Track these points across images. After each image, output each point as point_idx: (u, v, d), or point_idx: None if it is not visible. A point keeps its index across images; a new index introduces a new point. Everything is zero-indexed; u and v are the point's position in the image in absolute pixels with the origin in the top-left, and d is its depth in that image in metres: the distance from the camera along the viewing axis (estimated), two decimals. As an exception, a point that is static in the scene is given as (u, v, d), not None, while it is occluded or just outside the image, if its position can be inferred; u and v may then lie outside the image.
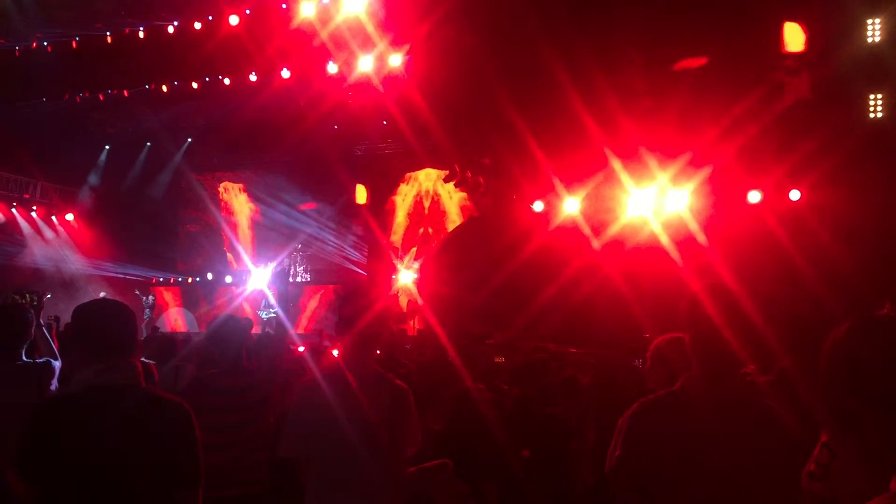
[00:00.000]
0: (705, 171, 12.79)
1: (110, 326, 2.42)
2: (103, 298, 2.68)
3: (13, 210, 18.69)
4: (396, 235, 17.81)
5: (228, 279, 19.19)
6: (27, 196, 18.92)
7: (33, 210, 19.17)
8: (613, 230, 13.06)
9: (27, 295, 13.77)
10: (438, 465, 3.28)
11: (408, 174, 17.74)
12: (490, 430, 4.10)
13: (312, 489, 2.92)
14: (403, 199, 17.83)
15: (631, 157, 13.13)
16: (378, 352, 3.28)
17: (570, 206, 13.90)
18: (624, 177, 13.16)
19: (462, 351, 6.11)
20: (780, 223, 11.59)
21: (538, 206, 14.58)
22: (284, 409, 3.34)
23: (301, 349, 7.68)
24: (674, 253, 11.78)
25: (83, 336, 2.43)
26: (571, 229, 13.51)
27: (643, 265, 11.93)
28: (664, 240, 12.28)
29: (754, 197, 12.86)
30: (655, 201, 13.17)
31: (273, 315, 16.10)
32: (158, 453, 2.33)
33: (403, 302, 16.55)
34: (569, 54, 12.22)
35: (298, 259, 18.73)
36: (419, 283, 16.29)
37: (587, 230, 13.30)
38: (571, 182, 13.95)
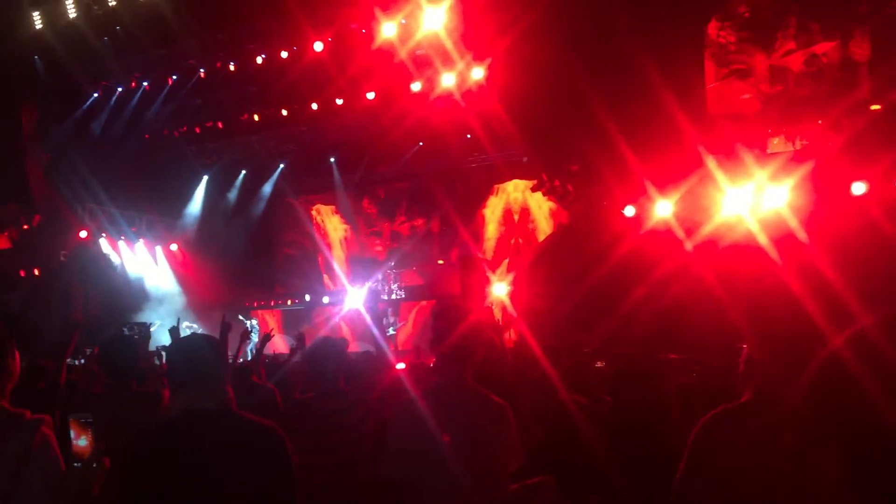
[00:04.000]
0: (807, 166, 12.71)
1: (196, 357, 2.56)
2: (193, 335, 2.84)
3: (120, 243, 20.47)
4: (488, 248, 18.42)
5: (326, 300, 20.27)
6: (134, 229, 20.68)
7: (140, 241, 20.91)
8: (707, 230, 13.15)
9: (135, 327, 15.26)
10: (541, 482, 3.20)
11: (496, 186, 18.37)
12: (590, 443, 4.09)
13: None
14: (493, 212, 18.47)
15: (726, 155, 13.23)
16: (475, 368, 3.26)
17: (663, 208, 14.05)
18: (719, 175, 13.25)
19: (558, 362, 6.17)
20: (887, 216, 11.36)
21: (629, 210, 14.82)
22: (384, 430, 3.43)
23: (401, 365, 8.24)
24: (772, 251, 11.80)
25: (173, 369, 2.61)
26: (663, 232, 13.69)
27: (738, 265, 12.02)
28: (762, 238, 12.30)
29: (859, 188, 12.62)
30: (753, 199, 13.17)
31: (393, 333, 17.06)
32: (251, 478, 2.37)
33: (498, 314, 17.10)
34: (659, 51, 12.46)
35: (392, 276, 19.59)
36: (513, 294, 16.80)
37: (680, 232, 13.44)
38: (663, 184, 14.11)
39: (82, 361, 13.62)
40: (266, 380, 5.71)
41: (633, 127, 13.03)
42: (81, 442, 2.83)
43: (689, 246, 12.97)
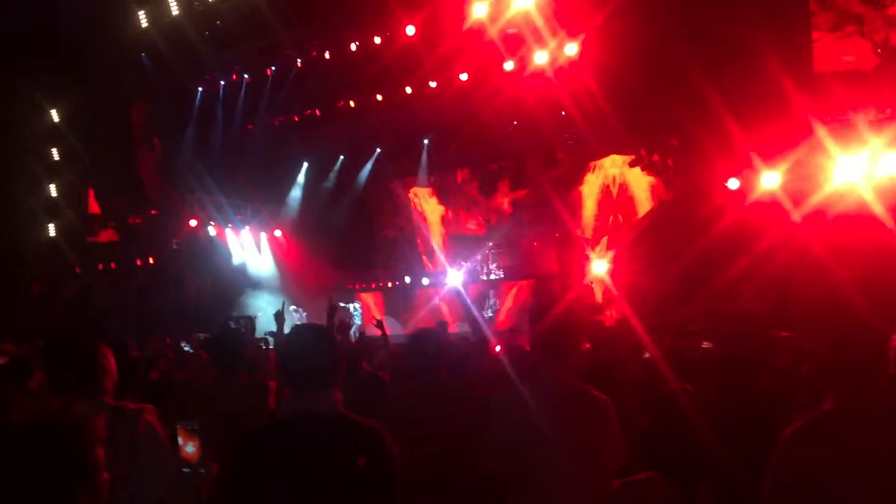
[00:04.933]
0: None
1: (308, 358, 2.60)
2: (303, 327, 2.90)
3: (227, 231, 21.47)
4: (586, 225, 18.37)
5: (425, 281, 20.68)
6: (240, 217, 21.64)
7: (246, 229, 21.86)
8: (816, 200, 12.73)
9: (241, 320, 16.00)
10: (647, 479, 3.12)
11: (593, 163, 18.26)
12: (699, 433, 3.96)
13: (517, 502, 3.05)
14: (590, 189, 18.38)
15: (838, 122, 12.78)
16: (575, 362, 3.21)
17: (769, 179, 13.68)
18: (829, 143, 12.81)
19: (662, 343, 6.09)
20: None
21: (733, 183, 14.50)
22: (484, 421, 3.46)
23: (497, 348, 8.39)
24: (889, 221, 11.37)
25: (284, 368, 2.68)
26: (768, 204, 13.34)
27: (850, 236, 11.62)
28: (877, 207, 11.86)
29: None
30: (867, 166, 12.68)
31: (492, 314, 17.34)
32: (355, 479, 2.45)
33: (598, 293, 17.08)
34: (759, 4, 12.10)
35: (490, 256, 19.79)
36: (612, 272, 16.73)
37: (787, 204, 13.07)
38: (768, 154, 13.73)
39: (189, 347, 14.50)
40: (374, 366, 5.81)
41: (734, 94, 12.72)
42: (189, 448, 3.01)
43: (796, 217, 12.59)
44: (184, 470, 2.82)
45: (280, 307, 5.73)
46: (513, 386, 3.19)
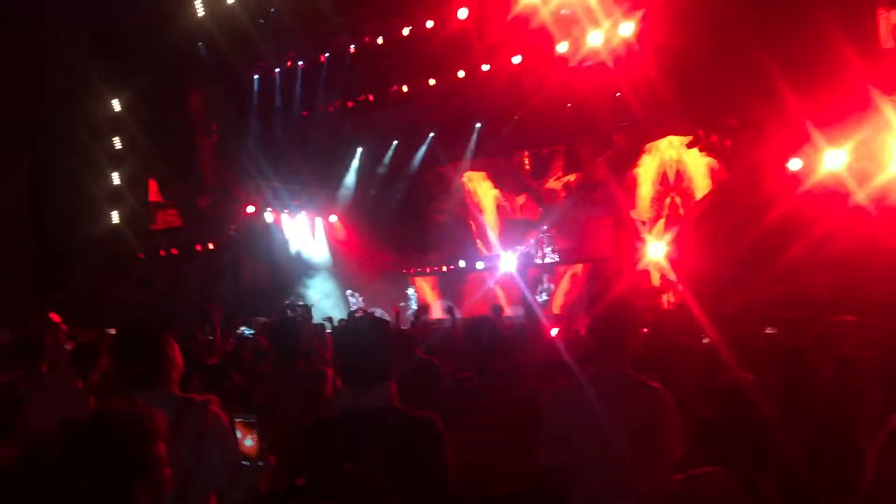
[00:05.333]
0: None
1: (364, 353, 2.61)
2: (359, 321, 2.92)
3: (283, 216, 21.84)
4: (642, 208, 18.19)
5: (480, 265, 20.76)
6: (296, 202, 21.99)
7: (302, 214, 22.20)
8: (880, 181, 12.37)
9: (298, 308, 16.31)
10: (708, 473, 3.04)
11: (648, 144, 18.03)
12: (763, 425, 3.76)
13: (574, 497, 3.04)
14: (646, 171, 18.17)
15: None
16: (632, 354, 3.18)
17: (833, 159, 13.33)
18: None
19: (722, 329, 5.96)
20: None
21: (795, 163, 14.18)
22: (539, 410, 3.48)
23: (554, 331, 8.35)
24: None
25: (339, 362, 2.72)
26: (831, 185, 13.02)
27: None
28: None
29: None
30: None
31: (549, 296, 17.35)
32: (411, 473, 2.45)
33: (655, 277, 16.94)
34: None
35: (545, 239, 19.73)
36: (670, 256, 16.55)
37: (852, 184, 12.74)
38: (832, 133, 13.37)
39: (250, 333, 14.86)
40: (429, 352, 5.84)
41: (796, 71, 12.39)
42: (248, 442, 3.06)
43: (862, 198, 12.26)
44: (243, 463, 2.86)
45: (335, 303, 5.76)
46: (569, 377, 3.19)
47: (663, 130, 17.44)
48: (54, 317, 17.35)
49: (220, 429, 2.82)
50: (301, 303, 20.27)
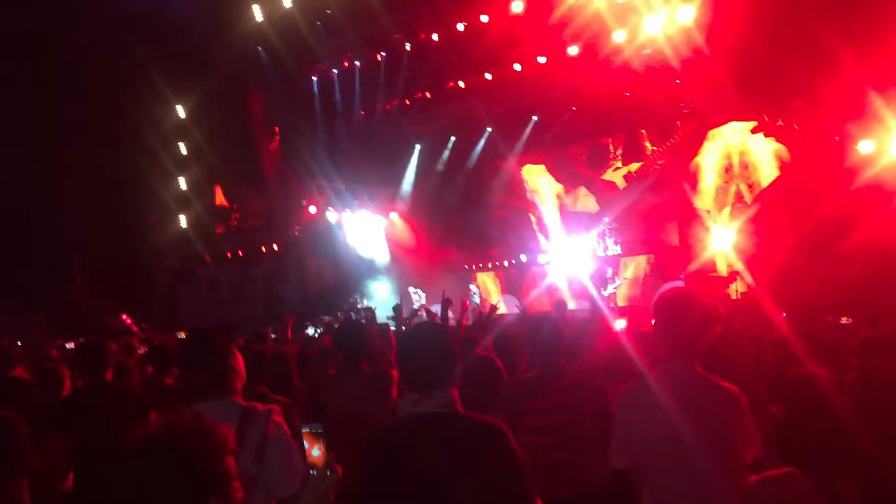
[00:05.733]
0: None
1: (425, 360, 2.61)
2: (420, 328, 2.88)
3: (345, 215, 22.13)
4: (706, 197, 17.85)
5: (542, 259, 20.68)
6: (357, 201, 22.28)
7: (363, 212, 22.47)
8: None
9: (361, 311, 16.51)
10: (785, 475, 2.95)
11: (711, 132, 17.68)
12: (839, 422, 3.60)
13: (647, 500, 3.02)
14: (709, 159, 17.81)
15: None
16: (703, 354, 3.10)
17: (904, 140, 12.89)
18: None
19: (794, 319, 5.80)
20: None
21: (866, 146, 13.73)
22: (609, 411, 3.42)
23: (621, 323, 8.22)
24: None
25: (403, 368, 2.70)
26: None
27: None
28: None
29: None
30: None
31: (614, 289, 17.19)
32: (480, 479, 2.42)
33: (721, 267, 16.63)
34: None
35: (607, 231, 19.54)
36: (737, 245, 16.23)
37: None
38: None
39: (319, 331, 15.12)
40: (491, 351, 5.78)
41: (866, 51, 11.98)
42: (315, 452, 2.99)
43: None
44: (311, 472, 2.85)
45: (398, 301, 5.82)
46: (639, 377, 3.15)
47: (726, 116, 17.07)
48: (126, 318, 18.02)
49: (282, 438, 2.86)
50: (363, 304, 20.58)
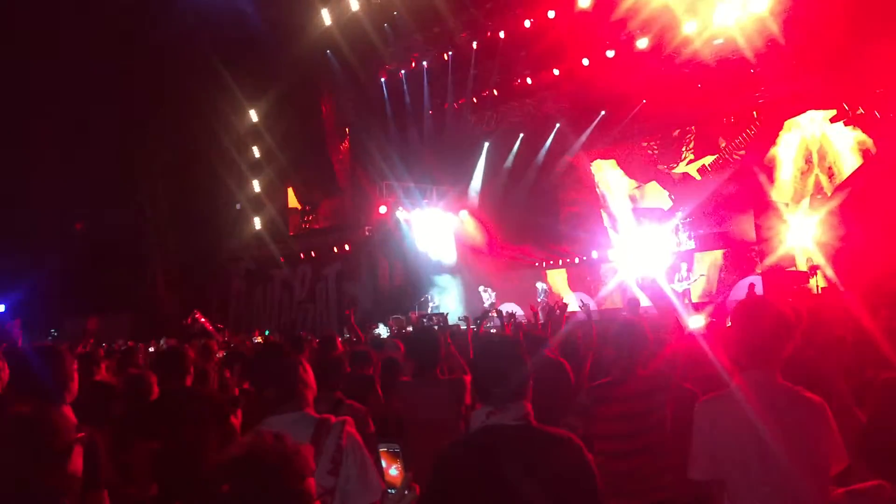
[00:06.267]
0: None
1: (496, 374, 2.60)
2: (491, 341, 2.89)
3: (414, 215, 22.30)
4: (784, 189, 17.38)
5: (613, 255, 20.45)
6: (426, 201, 22.46)
7: (433, 211, 22.63)
8: None
9: (433, 318, 16.66)
10: (874, 487, 2.79)
11: (787, 122, 17.19)
12: None
13: None
14: (786, 149, 17.32)
15: None
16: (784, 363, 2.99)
17: None
18: None
19: (880, 318, 5.47)
20: None
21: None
22: (686, 417, 3.29)
23: (697, 320, 8.06)
24: None
25: (475, 381, 2.70)
26: None
27: None
28: None
29: None
30: None
31: (689, 286, 16.93)
32: (553, 493, 2.42)
33: (800, 262, 16.18)
34: None
35: (680, 226, 19.21)
36: (817, 238, 15.77)
37: None
38: None
39: (387, 331, 15.36)
40: (558, 353, 5.66)
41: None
42: (392, 471, 3.12)
43: None
44: (389, 491, 2.88)
45: (468, 299, 5.71)
46: (718, 384, 3.07)
47: (803, 105, 16.58)
48: (199, 315, 18.59)
49: (356, 450, 2.86)
50: (433, 302, 20.76)
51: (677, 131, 19.57)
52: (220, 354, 6.51)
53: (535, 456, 2.48)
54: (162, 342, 12.84)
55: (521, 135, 22.22)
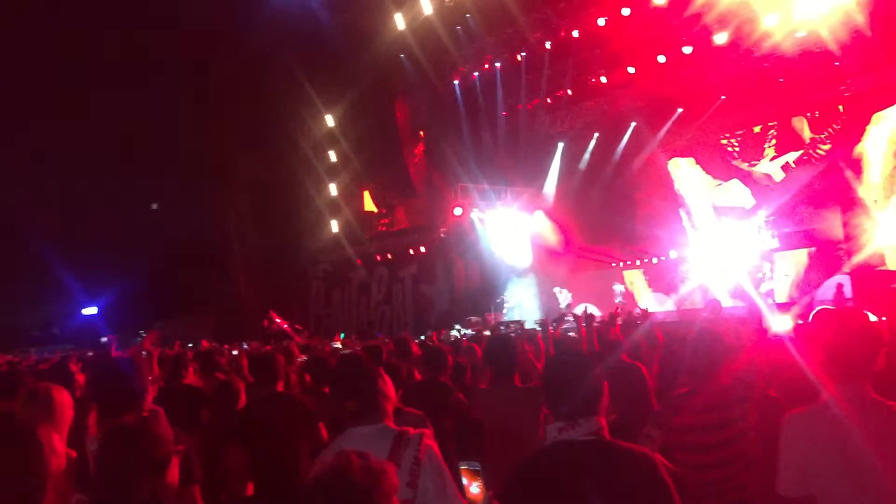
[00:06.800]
0: None
1: (570, 388, 2.57)
2: (565, 355, 2.89)
3: (489, 216, 22.37)
4: (872, 185, 16.76)
5: (692, 255, 20.09)
6: (501, 202, 22.51)
7: (507, 211, 22.66)
8: None
9: (511, 325, 16.78)
10: None
11: (876, 115, 16.57)
12: None
13: None
14: (875, 144, 16.70)
15: None
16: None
17: None
18: None
19: None
20: None
21: None
22: (772, 428, 3.17)
23: (784, 321, 7.85)
24: None
25: (547, 395, 2.67)
26: None
27: None
28: None
29: None
30: None
31: (770, 287, 16.54)
32: None
33: (890, 261, 15.60)
34: None
35: (764, 225, 18.75)
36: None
37: None
38: None
39: (464, 332, 15.48)
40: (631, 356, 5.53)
41: None
42: (473, 489, 3.11)
43: None
44: None
45: (544, 300, 5.69)
46: (807, 394, 2.97)
47: (892, 98, 15.96)
48: (274, 315, 19.11)
49: (434, 463, 2.87)
50: (505, 308, 20.83)
51: (759, 127, 19.09)
52: (301, 358, 6.70)
53: (608, 472, 2.44)
54: (244, 346, 13.28)
55: (596, 134, 22.03)
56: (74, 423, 3.30)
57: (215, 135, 25.42)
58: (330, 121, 26.51)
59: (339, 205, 27.33)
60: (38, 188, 25.88)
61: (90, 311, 26.29)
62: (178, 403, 4.24)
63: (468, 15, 20.60)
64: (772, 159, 18.89)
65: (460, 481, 3.06)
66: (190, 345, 13.43)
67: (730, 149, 19.78)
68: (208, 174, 26.96)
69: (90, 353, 10.86)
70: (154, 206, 27.16)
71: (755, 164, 19.26)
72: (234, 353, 9.61)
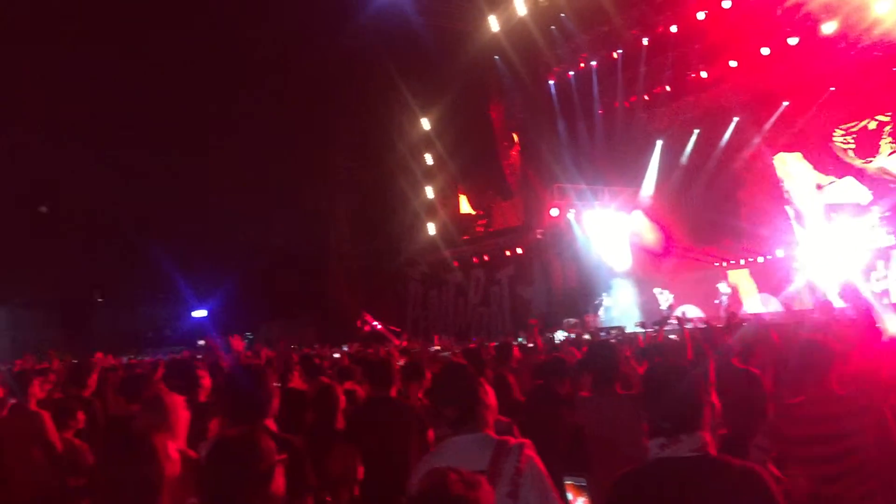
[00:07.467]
0: None
1: (671, 404, 2.53)
2: (663, 369, 2.85)
3: (587, 216, 22.17)
4: None
5: (801, 254, 19.38)
6: (599, 202, 22.28)
7: (605, 211, 22.41)
8: None
9: (612, 331, 16.72)
10: None
11: None
12: None
13: None
14: None
15: None
16: None
17: None
18: None
19: None
20: None
21: None
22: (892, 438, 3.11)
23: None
24: None
25: (650, 408, 2.62)
26: None
27: None
28: None
29: None
30: None
31: (885, 286, 15.85)
32: None
33: None
34: None
35: (879, 222, 17.90)
36: None
37: None
38: None
39: (566, 335, 15.42)
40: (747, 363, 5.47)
41: None
42: None
43: None
44: None
45: (644, 301, 5.58)
46: None
47: None
48: (367, 317, 19.48)
49: (535, 473, 2.84)
50: (604, 309, 20.61)
51: (874, 124, 18.21)
52: (401, 362, 6.82)
53: (713, 490, 2.39)
54: (345, 348, 13.63)
55: (697, 130, 21.54)
56: (194, 428, 3.47)
57: (317, 138, 26.21)
58: (426, 124, 26.84)
59: (435, 207, 27.64)
60: (168, 200, 27.25)
61: (200, 313, 27.49)
62: (283, 407, 4.41)
63: (563, 14, 20.51)
64: (891, 153, 18.01)
65: (564, 496, 3.03)
66: (293, 346, 13.86)
67: (843, 146, 18.96)
68: (309, 177, 27.77)
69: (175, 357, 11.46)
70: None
71: (871, 160, 18.42)
72: (336, 356, 9.88)
